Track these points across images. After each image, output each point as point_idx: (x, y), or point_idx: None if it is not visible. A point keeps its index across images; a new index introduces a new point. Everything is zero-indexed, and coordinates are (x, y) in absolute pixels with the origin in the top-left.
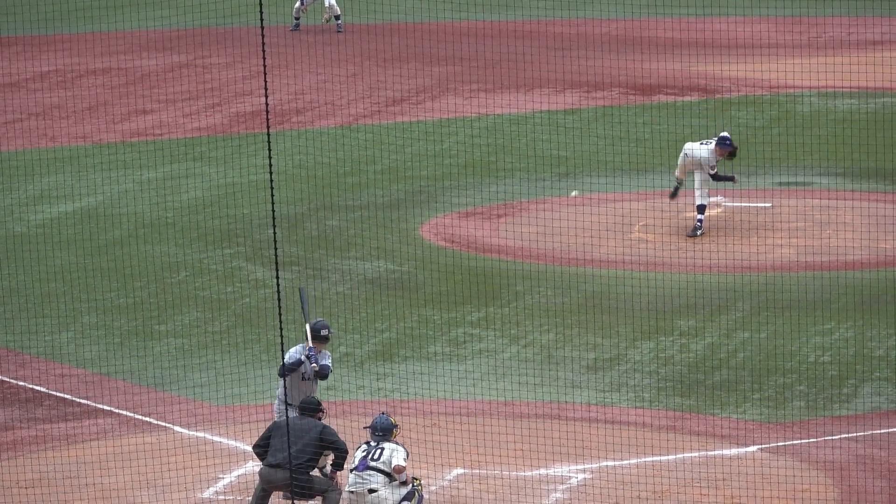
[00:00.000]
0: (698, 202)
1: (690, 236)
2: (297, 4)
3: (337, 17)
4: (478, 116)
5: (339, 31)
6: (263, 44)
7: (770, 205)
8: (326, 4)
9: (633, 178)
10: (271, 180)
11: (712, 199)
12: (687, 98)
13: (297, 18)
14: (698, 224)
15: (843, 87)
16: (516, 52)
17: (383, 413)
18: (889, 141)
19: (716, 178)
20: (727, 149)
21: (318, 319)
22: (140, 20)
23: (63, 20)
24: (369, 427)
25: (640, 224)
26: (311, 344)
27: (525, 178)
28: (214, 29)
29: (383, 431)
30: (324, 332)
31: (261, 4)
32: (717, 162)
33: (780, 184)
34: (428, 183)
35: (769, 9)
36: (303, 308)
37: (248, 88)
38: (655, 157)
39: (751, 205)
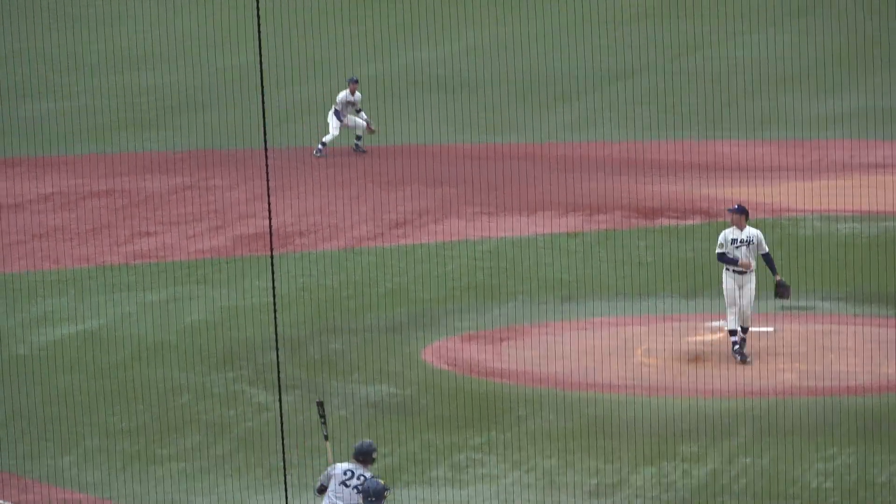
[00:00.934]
0: (728, 327)
1: (742, 363)
2: (335, 123)
3: (358, 138)
4: (481, 239)
5: (360, 152)
6: (267, 166)
7: (772, 329)
8: (363, 121)
9: (635, 301)
10: (274, 303)
11: (714, 324)
12: (689, 221)
13: (323, 144)
14: (735, 348)
15: (845, 211)
16: (519, 175)
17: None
18: (891, 265)
19: (721, 258)
20: (732, 213)
21: (365, 441)
22: (143, 142)
23: (67, 142)
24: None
25: (643, 348)
26: (356, 465)
27: (528, 302)
28: (218, 151)
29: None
30: (374, 455)
31: (264, 127)
32: (725, 240)
33: (783, 308)
34: (430, 306)
35: (772, 132)
36: (323, 420)
37: (252, 210)
38: (658, 280)
39: (753, 329)
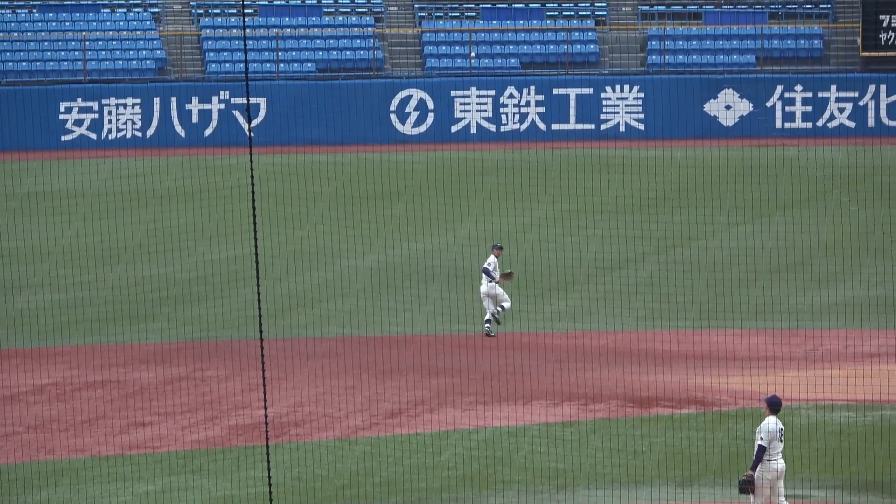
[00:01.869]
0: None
1: None
2: (492, 310)
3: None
4: (475, 429)
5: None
6: (263, 356)
7: None
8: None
9: (631, 490)
10: (270, 493)
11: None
12: (684, 411)
13: (489, 323)
14: None
15: (839, 400)
16: (514, 365)
17: None
18: (887, 453)
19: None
20: (768, 403)
21: None
22: (139, 333)
23: (62, 333)
24: None
25: None
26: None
27: (524, 491)
28: (213, 342)
29: None
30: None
31: (260, 318)
32: (770, 432)
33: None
34: (426, 495)
35: (766, 321)
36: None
37: (247, 401)
38: (653, 469)
39: None
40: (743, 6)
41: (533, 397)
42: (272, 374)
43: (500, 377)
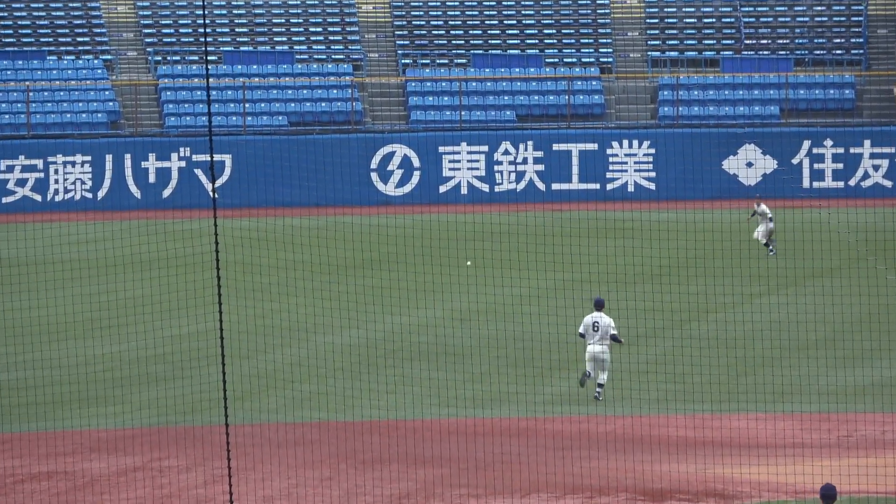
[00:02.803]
0: None
1: None
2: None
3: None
4: None
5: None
6: (228, 444)
7: None
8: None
9: None
10: None
11: None
12: None
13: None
14: None
15: (877, 493)
16: (510, 453)
17: None
18: None
19: None
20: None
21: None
22: (89, 418)
23: (2, 419)
24: None
25: None
26: None
27: None
28: (172, 428)
29: None
30: None
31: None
32: None
33: None
34: None
35: (793, 404)
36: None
37: (210, 494)
38: None
39: None
40: (766, 52)
41: (532, 490)
42: (238, 465)
43: (494, 467)
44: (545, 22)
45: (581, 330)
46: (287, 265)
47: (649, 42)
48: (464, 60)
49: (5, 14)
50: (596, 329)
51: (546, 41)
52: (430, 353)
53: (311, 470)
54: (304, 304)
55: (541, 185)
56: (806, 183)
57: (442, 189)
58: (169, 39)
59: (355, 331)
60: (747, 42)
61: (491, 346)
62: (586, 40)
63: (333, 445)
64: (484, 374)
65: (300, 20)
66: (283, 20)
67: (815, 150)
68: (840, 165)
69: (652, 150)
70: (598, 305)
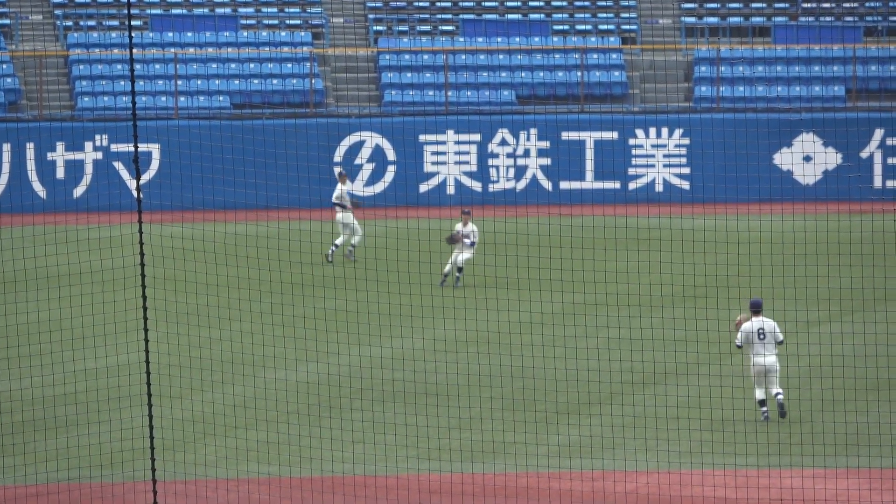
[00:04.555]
0: None
1: None
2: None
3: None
4: None
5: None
6: (155, 497)
7: None
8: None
9: None
10: None
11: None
12: None
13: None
14: None
15: None
16: None
17: None
18: None
19: None
20: None
21: None
22: None
23: None
24: None
25: None
26: None
27: None
28: (86, 484)
29: None
30: None
31: (151, 447)
32: None
33: None
34: None
35: (859, 457)
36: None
37: None
38: None
39: None
40: (829, 18)
41: None
42: None
43: None
44: None
45: (740, 341)
46: (229, 283)
47: (683, 6)
48: (451, 28)
49: None
50: (762, 336)
51: (554, 3)
52: (408, 392)
53: None
54: (251, 331)
55: (546, 184)
56: (878, 182)
57: (423, 188)
58: (83, 0)
59: (314, 365)
60: (805, 6)
61: (483, 384)
62: (604, 3)
63: None
64: (474, 419)
65: None
66: None
67: (888, 141)
68: None
69: (686, 141)
70: (757, 307)
